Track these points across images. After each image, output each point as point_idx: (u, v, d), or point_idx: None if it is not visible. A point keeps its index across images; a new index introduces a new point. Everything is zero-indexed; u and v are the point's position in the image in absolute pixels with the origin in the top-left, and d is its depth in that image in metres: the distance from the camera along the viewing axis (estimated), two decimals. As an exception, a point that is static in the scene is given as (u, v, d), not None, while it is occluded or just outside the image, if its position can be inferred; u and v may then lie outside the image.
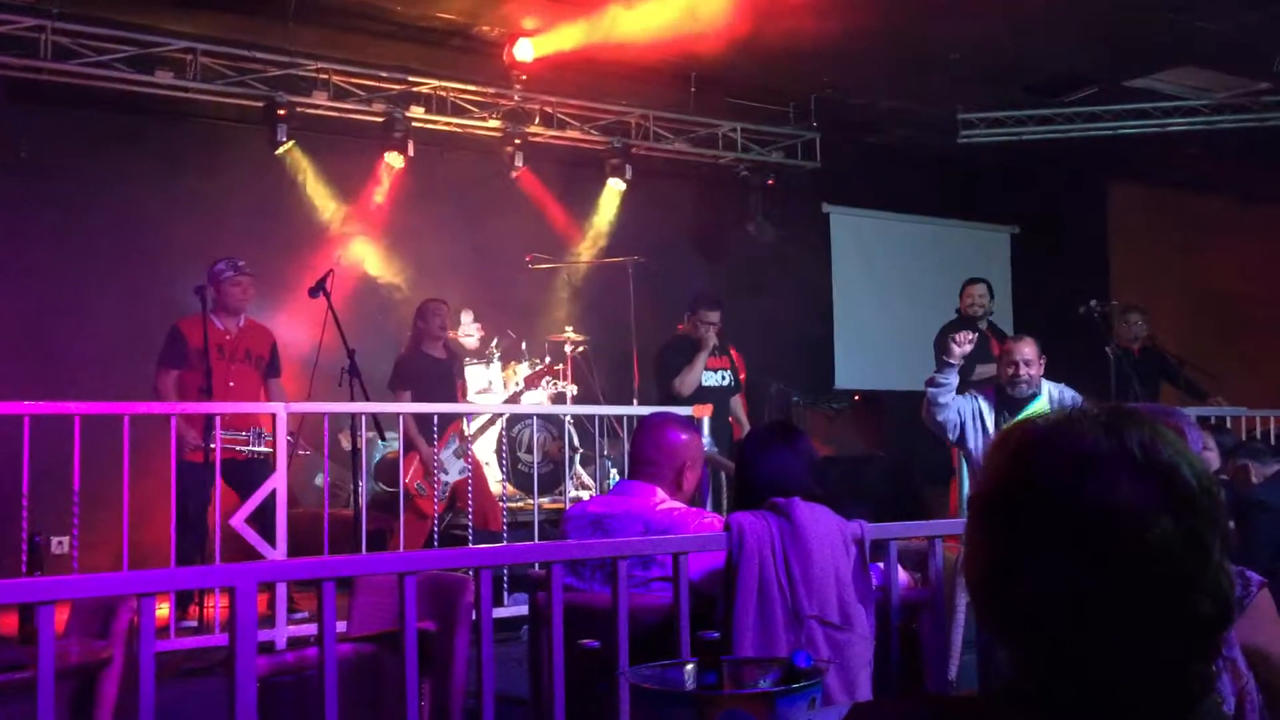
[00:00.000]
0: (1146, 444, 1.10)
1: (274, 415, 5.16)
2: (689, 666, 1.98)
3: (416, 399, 6.68)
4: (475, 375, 7.87)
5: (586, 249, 9.26)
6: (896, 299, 10.53)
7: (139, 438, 4.89)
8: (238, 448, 5.76)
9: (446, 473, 6.59)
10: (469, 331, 8.20)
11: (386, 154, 8.21)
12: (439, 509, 5.82)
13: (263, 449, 5.82)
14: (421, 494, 6.58)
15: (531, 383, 7.61)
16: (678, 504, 3.44)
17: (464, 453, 6.68)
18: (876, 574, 3.19)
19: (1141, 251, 11.48)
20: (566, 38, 7.89)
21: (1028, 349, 5.47)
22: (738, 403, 7.56)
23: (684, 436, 3.54)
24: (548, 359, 8.11)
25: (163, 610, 5.01)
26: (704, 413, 6.22)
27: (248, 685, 2.28)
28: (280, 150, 7.82)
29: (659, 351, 7.27)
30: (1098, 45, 8.29)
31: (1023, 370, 5.41)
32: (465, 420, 6.85)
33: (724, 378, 7.27)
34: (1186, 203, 11.68)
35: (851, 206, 10.82)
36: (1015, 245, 11.57)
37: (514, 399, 7.53)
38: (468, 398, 7.53)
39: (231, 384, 6.03)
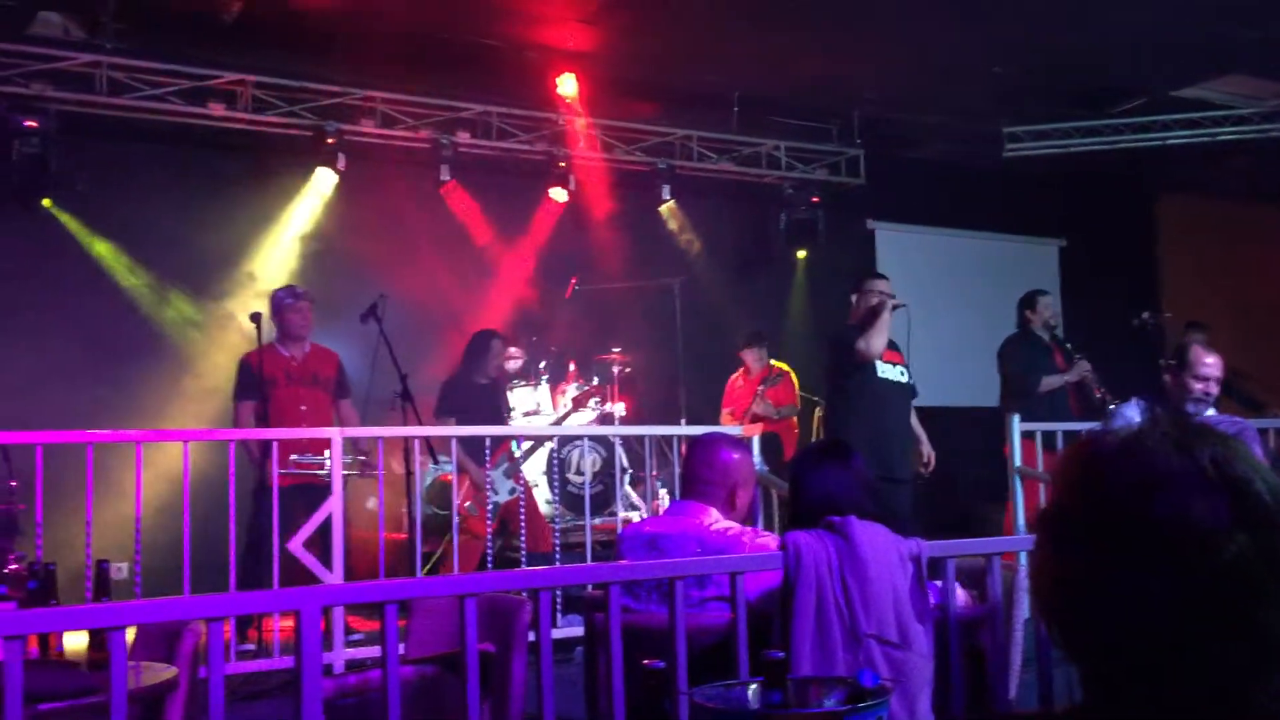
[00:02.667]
0: (1218, 459, 1.10)
1: (330, 440, 5.22)
2: (753, 686, 1.98)
3: (461, 424, 6.75)
4: (523, 397, 7.92)
5: (633, 270, 9.29)
6: (943, 315, 10.46)
7: (198, 465, 4.97)
8: (315, 471, 5.83)
9: (496, 493, 6.63)
10: (511, 354, 8.26)
11: (446, 178, 8.30)
12: (491, 530, 5.85)
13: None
14: (473, 515, 6.62)
15: (579, 403, 7.65)
16: (732, 523, 3.44)
17: (514, 473, 6.72)
18: (934, 592, 3.17)
19: (1191, 262, 11.35)
20: (609, 68, 7.97)
21: (1219, 367, 5.01)
22: (913, 412, 6.54)
23: (736, 455, 3.55)
24: (595, 380, 8.15)
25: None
26: (754, 432, 6.20)
27: (314, 707, 2.31)
28: (325, 176, 7.94)
29: (830, 343, 6.40)
30: (1145, 55, 8.22)
31: (1212, 389, 5.00)
32: (515, 442, 6.89)
33: (903, 374, 6.30)
34: (1236, 213, 11.53)
35: (897, 222, 10.78)
36: (1063, 258, 11.47)
37: (560, 421, 7.57)
38: (514, 420, 7.58)
39: (303, 408, 6.16)
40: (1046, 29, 7.64)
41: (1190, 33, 7.73)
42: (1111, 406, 7.21)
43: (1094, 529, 1.12)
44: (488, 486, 6.01)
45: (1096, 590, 1.11)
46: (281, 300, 6.31)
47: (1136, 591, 1.08)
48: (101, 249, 7.64)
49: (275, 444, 5.25)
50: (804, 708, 1.88)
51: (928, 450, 6.42)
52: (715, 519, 3.43)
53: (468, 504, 6.69)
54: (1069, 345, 7.66)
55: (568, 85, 8.16)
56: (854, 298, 6.41)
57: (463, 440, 6.45)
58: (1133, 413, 5.03)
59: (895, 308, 6.15)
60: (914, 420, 6.51)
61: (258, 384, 6.11)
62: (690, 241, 9.42)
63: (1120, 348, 7.96)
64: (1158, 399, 4.96)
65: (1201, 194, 11.38)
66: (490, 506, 6.19)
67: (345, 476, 5.78)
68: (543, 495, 7.40)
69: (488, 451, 5.90)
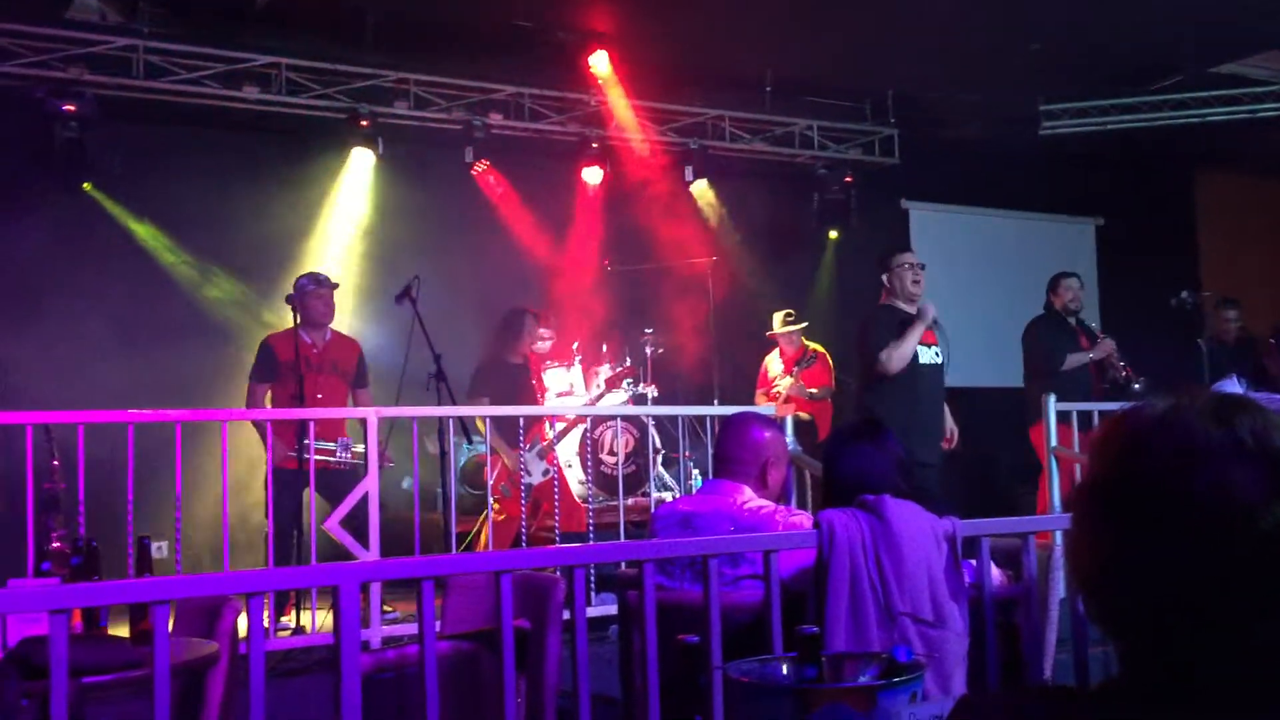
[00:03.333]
0: (1258, 432, 1.09)
1: (364, 420, 5.26)
2: (787, 661, 1.99)
3: (494, 404, 6.79)
4: (557, 378, 7.94)
5: (666, 250, 9.28)
6: (979, 295, 10.39)
7: (236, 444, 5.02)
8: (326, 458, 5.89)
9: (529, 474, 6.67)
10: (542, 334, 8.27)
11: (472, 161, 8.30)
12: (524, 512, 5.89)
13: (349, 459, 5.96)
14: (506, 496, 6.66)
15: (612, 384, 7.66)
16: (765, 502, 3.45)
17: (547, 454, 6.75)
18: (969, 571, 3.16)
19: (1231, 240, 11.21)
20: (643, 49, 7.95)
21: None
22: None
23: (767, 434, 3.55)
24: (628, 361, 8.16)
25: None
26: (786, 412, 6.20)
27: (353, 681, 2.34)
28: (360, 159, 7.98)
29: (861, 325, 6.24)
30: (1184, 30, 8.11)
31: None
32: (549, 423, 6.92)
33: (938, 355, 6.13)
34: (1276, 189, 11.37)
35: (931, 202, 10.71)
36: (1100, 237, 11.35)
37: (594, 402, 7.59)
38: (548, 400, 7.61)
39: (319, 395, 6.21)
40: (1084, 5, 7.54)
41: (1229, 8, 7.62)
42: (1136, 385, 7.17)
43: (1132, 501, 1.12)
44: (521, 468, 6.05)
45: (1134, 563, 1.11)
46: (304, 287, 6.36)
47: (1175, 564, 1.08)
48: (142, 231, 7.73)
49: (312, 425, 5.29)
50: (838, 682, 1.89)
51: (950, 426, 6.36)
52: (748, 497, 3.43)
53: (502, 485, 6.73)
54: (1093, 326, 7.62)
55: (601, 62, 8.14)
56: (884, 277, 6.33)
57: (496, 421, 6.50)
58: (1235, 389, 4.79)
59: (932, 320, 6.05)
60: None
61: (275, 367, 6.17)
62: (723, 222, 9.40)
63: (1159, 326, 7.88)
64: (1261, 376, 4.72)
65: (1240, 171, 11.22)
66: (524, 488, 6.22)
67: (350, 466, 5.83)
68: (575, 475, 7.43)
69: (521, 432, 5.93)
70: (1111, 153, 10.13)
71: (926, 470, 5.98)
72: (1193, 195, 11.45)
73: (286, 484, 5.53)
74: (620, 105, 8.59)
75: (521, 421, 5.95)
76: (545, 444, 6.91)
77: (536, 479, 6.84)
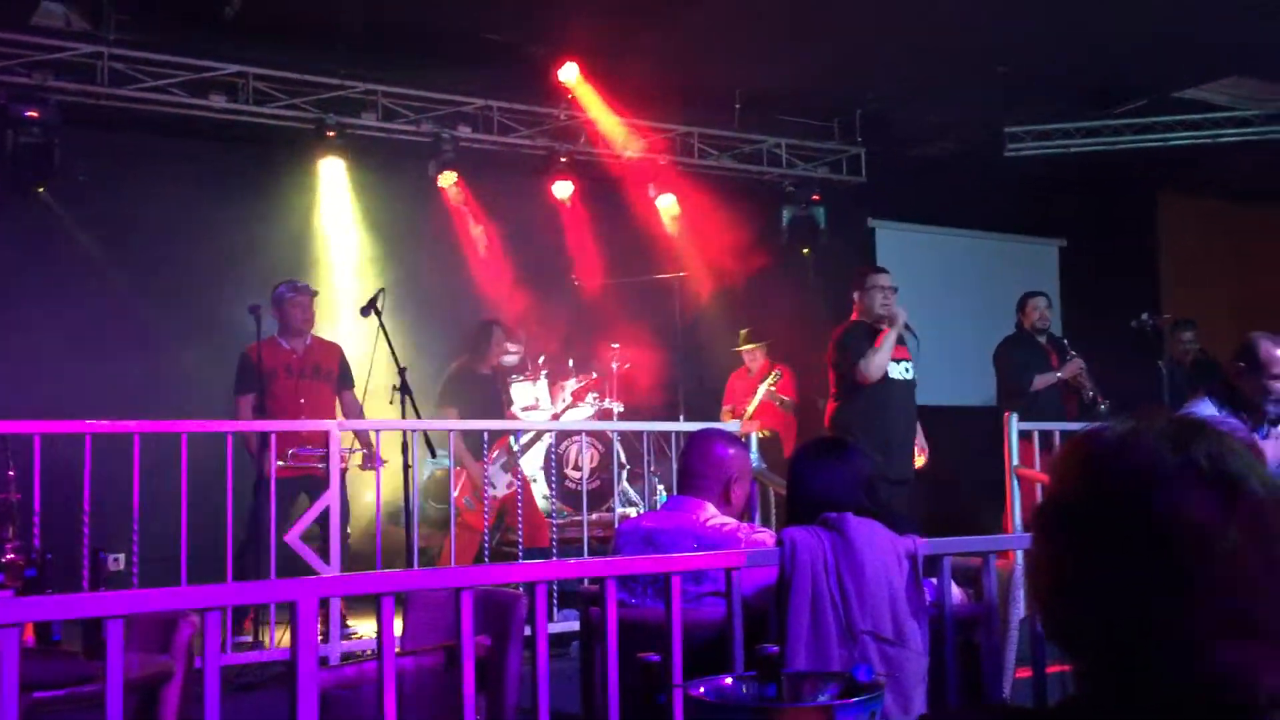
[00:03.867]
0: (1214, 456, 1.10)
1: (327, 432, 5.22)
2: (748, 679, 1.98)
3: (463, 416, 6.76)
4: (522, 392, 7.92)
5: (633, 266, 9.29)
6: (943, 314, 10.46)
7: (197, 457, 4.97)
8: (316, 464, 5.84)
9: (494, 487, 6.63)
10: (509, 348, 8.25)
11: (436, 173, 8.28)
12: (488, 524, 5.85)
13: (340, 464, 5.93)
14: (470, 509, 6.62)
15: (578, 397, 7.64)
16: (728, 519, 3.45)
17: (511, 467, 6.72)
18: (930, 590, 3.17)
19: (1192, 263, 11.35)
20: (613, 63, 7.96)
21: None
22: None
23: (731, 450, 3.55)
24: (594, 375, 8.15)
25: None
26: (751, 429, 6.21)
27: (309, 698, 2.31)
28: (328, 170, 7.94)
29: (834, 339, 6.29)
30: (1147, 56, 8.22)
31: None
32: (513, 436, 6.90)
33: (907, 370, 6.22)
34: (1237, 214, 11.53)
35: (897, 221, 10.78)
36: (1063, 258, 11.47)
37: (558, 416, 7.56)
38: (514, 414, 7.59)
39: (303, 400, 6.19)
40: (1049, 30, 7.63)
41: (1192, 34, 7.72)
42: (1103, 407, 7.24)
43: (1090, 522, 1.12)
44: (485, 481, 6.02)
45: (1091, 583, 1.12)
46: (282, 294, 6.34)
47: (1130, 585, 1.09)
48: (104, 240, 7.64)
49: (273, 436, 5.25)
50: (798, 701, 1.88)
51: (922, 443, 6.42)
52: (711, 514, 3.43)
53: (465, 499, 6.69)
54: (1065, 342, 7.69)
55: (570, 72, 8.13)
56: (855, 294, 6.40)
57: (462, 432, 6.47)
58: (1208, 411, 4.64)
59: (905, 327, 6.14)
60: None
61: (257, 377, 6.13)
62: (691, 238, 9.41)
63: (1120, 348, 7.96)
64: (1230, 397, 4.69)
65: (1203, 195, 11.38)
66: (487, 501, 6.19)
67: (345, 469, 5.80)
68: (540, 490, 7.41)
69: (485, 445, 5.90)
70: (1075, 175, 10.25)
71: (898, 486, 6.04)
72: (1155, 218, 11.60)
73: (276, 493, 5.48)
74: (594, 106, 8.57)
75: (485, 435, 5.92)
76: (510, 457, 6.89)
77: (500, 491, 6.81)
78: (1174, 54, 8.17)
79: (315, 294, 6.49)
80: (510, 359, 8.04)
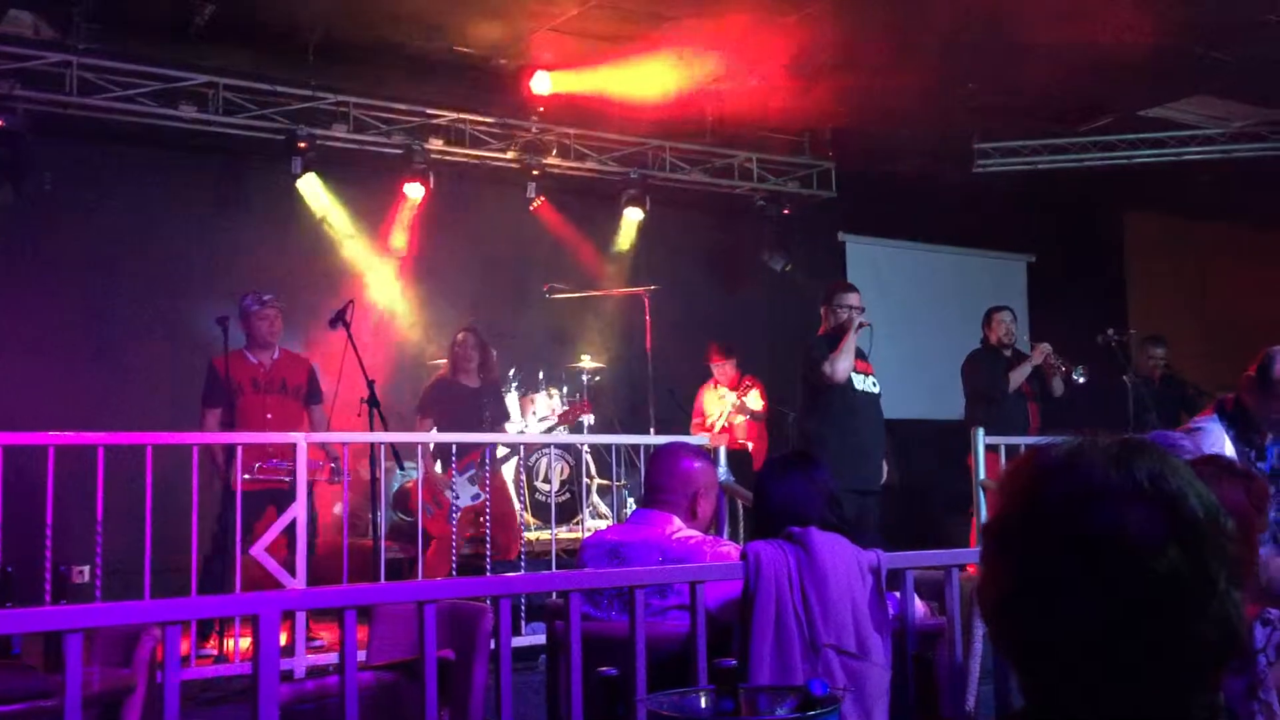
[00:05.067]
0: (1155, 475, 1.13)
1: (294, 445, 5.20)
2: (707, 693, 1.99)
3: (439, 424, 6.74)
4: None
5: (604, 278, 9.31)
6: (913, 328, 10.54)
7: (163, 469, 4.94)
8: (283, 477, 5.81)
9: (458, 496, 6.59)
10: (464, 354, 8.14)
11: (406, 186, 8.27)
12: (454, 534, 5.83)
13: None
14: (428, 514, 6.59)
15: (565, 419, 7.62)
16: (694, 532, 3.46)
17: (479, 479, 6.69)
18: (893, 603, 3.19)
19: (1157, 279, 11.48)
20: (584, 78, 7.98)
21: None
22: None
23: (697, 464, 3.56)
24: (579, 395, 8.14)
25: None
26: (720, 442, 6.23)
27: (270, 712, 2.30)
28: (300, 182, 7.91)
29: (804, 350, 6.48)
30: (1112, 75, 8.32)
31: None
32: (485, 449, 6.89)
33: (874, 385, 6.47)
34: (1202, 231, 11.68)
35: (868, 236, 10.86)
36: (1032, 274, 11.58)
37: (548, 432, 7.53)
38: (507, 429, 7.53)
39: (269, 415, 6.12)
40: (1016, 49, 7.71)
41: (1156, 55, 7.82)
42: (1080, 378, 7.25)
43: (1033, 538, 1.14)
44: (451, 490, 6.01)
45: (1035, 600, 1.14)
46: (248, 307, 6.28)
47: (1073, 602, 1.11)
48: (67, 248, 7.59)
49: (239, 449, 5.22)
50: (755, 715, 1.89)
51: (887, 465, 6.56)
52: (677, 528, 3.44)
53: (426, 505, 6.65)
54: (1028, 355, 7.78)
55: (541, 83, 8.14)
56: (823, 310, 6.52)
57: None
58: (1217, 429, 4.41)
59: (860, 327, 6.26)
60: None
61: (224, 390, 6.09)
62: (662, 251, 9.44)
63: (1086, 363, 8.04)
64: (1238, 414, 4.52)
65: (1168, 212, 11.52)
66: (452, 510, 6.17)
67: (313, 481, 5.77)
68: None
69: (454, 456, 5.90)
70: (1043, 192, 10.35)
71: (870, 498, 6.14)
72: (1121, 234, 11.73)
73: (243, 506, 5.44)
74: (566, 119, 8.58)
75: (454, 447, 5.92)
76: (479, 469, 6.87)
77: (465, 502, 6.77)
78: (1138, 74, 8.27)
79: (281, 306, 6.42)
80: (468, 365, 7.86)
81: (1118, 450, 1.17)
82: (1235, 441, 4.34)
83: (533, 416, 7.98)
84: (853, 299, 6.45)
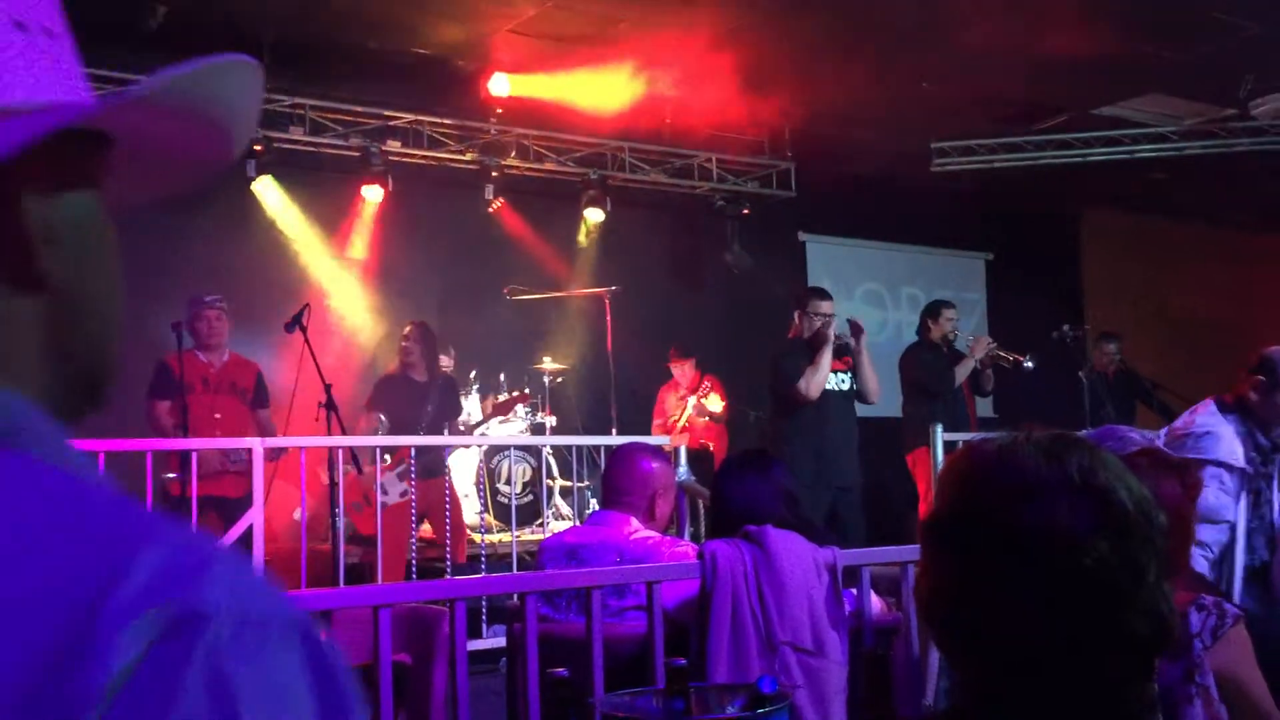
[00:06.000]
0: (1085, 468, 1.14)
1: (251, 449, 5.16)
2: (658, 694, 2.00)
3: (387, 419, 6.71)
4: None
5: (564, 280, 9.29)
6: (872, 326, 10.60)
7: (115, 476, 4.88)
8: (230, 470, 5.76)
9: (385, 493, 6.48)
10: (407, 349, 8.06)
11: (364, 188, 8.22)
12: (386, 533, 5.74)
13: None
14: (357, 510, 6.52)
15: (501, 410, 7.56)
16: (652, 533, 3.46)
17: (408, 475, 6.52)
18: (850, 600, 3.21)
19: (1113, 276, 11.62)
20: (542, 80, 7.98)
21: None
22: None
23: (655, 465, 3.57)
24: (527, 390, 8.11)
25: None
26: (680, 442, 6.23)
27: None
28: (256, 184, 7.85)
29: (773, 360, 6.52)
30: (1065, 74, 8.41)
31: None
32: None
33: (845, 381, 6.49)
34: (1156, 228, 11.83)
35: (827, 235, 10.92)
36: (990, 271, 11.68)
37: (473, 429, 7.47)
38: (460, 425, 7.49)
39: (217, 415, 6.10)
40: (971, 48, 7.77)
41: (1108, 54, 7.91)
42: (1028, 364, 7.26)
43: (966, 533, 1.16)
44: (376, 486, 5.98)
45: (970, 594, 1.15)
46: (191, 308, 6.29)
47: (1007, 596, 1.12)
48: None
49: (194, 455, 5.18)
50: (705, 714, 1.90)
51: None
52: (635, 528, 3.45)
53: (355, 502, 6.58)
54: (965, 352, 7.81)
55: (499, 84, 8.12)
56: (796, 315, 6.53)
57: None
58: (1227, 431, 4.24)
59: (839, 344, 6.29)
60: None
61: (176, 387, 6.04)
62: (622, 251, 9.44)
63: (1042, 359, 8.12)
64: (1244, 412, 4.43)
65: (1122, 210, 11.66)
66: (379, 506, 6.08)
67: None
68: (472, 506, 7.36)
69: (386, 456, 5.88)
70: (1000, 190, 10.44)
71: (843, 492, 6.20)
72: (1078, 232, 11.86)
73: (184, 511, 5.40)
74: (524, 120, 8.58)
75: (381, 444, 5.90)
76: (407, 466, 6.71)
77: (393, 499, 6.63)
78: (1090, 73, 8.36)
79: (224, 308, 6.38)
80: (409, 359, 7.76)
81: (1048, 444, 1.19)
82: (1244, 442, 4.19)
83: (480, 414, 7.91)
84: (825, 307, 6.47)
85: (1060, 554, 1.10)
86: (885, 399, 9.39)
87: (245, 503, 5.62)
